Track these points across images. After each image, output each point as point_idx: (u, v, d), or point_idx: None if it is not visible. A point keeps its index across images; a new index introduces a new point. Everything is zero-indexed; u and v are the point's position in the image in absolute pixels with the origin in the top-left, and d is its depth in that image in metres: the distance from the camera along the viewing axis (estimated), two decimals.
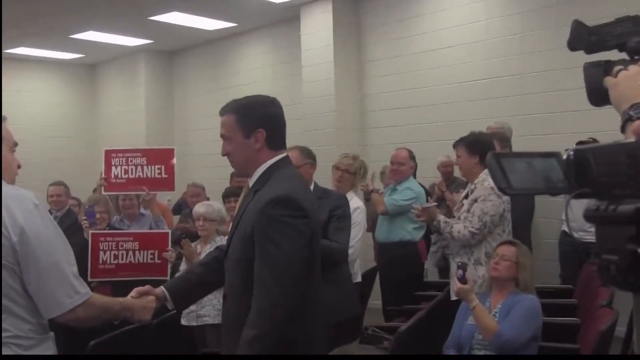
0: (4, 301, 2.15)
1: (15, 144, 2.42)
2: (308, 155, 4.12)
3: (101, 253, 5.08)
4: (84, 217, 5.15)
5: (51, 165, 11.34)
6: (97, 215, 5.17)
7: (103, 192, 5.38)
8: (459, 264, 3.74)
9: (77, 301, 2.23)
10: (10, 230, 2.14)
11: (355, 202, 4.73)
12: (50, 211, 5.90)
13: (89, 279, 4.99)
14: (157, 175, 5.35)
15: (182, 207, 8.47)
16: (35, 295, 2.18)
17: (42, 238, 2.17)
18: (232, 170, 2.65)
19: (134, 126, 11.64)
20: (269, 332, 2.14)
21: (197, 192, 6.94)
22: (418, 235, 5.71)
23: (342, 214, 3.95)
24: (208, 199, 6.45)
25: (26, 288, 2.17)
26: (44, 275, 2.17)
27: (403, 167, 5.73)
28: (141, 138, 11.32)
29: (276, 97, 2.50)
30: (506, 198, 4.23)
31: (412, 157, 5.84)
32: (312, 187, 3.98)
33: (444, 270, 6.13)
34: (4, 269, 2.13)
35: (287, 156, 2.46)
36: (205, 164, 10.56)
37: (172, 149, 5.57)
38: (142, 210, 5.70)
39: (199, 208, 4.84)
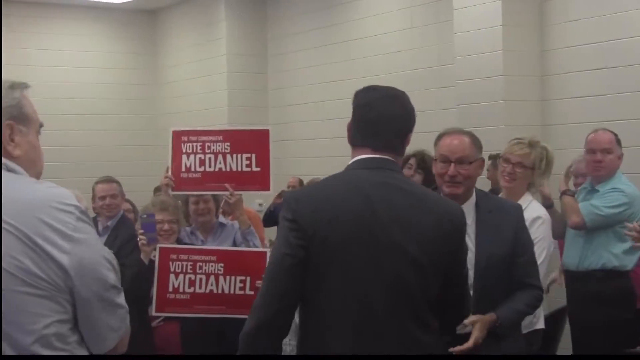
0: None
1: (41, 125, 2.51)
2: (480, 146, 3.91)
3: (172, 277, 5.09)
4: (140, 231, 5.18)
5: (96, 155, 11.75)
6: (166, 227, 5.25)
7: (171, 193, 5.45)
8: None
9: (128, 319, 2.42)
10: (53, 249, 2.23)
11: (534, 208, 4.69)
12: (96, 219, 6.13)
13: (154, 313, 5.14)
14: (245, 168, 5.38)
15: (276, 215, 8.60)
16: (84, 326, 2.32)
17: (94, 260, 2.31)
18: (347, 161, 3.04)
19: (211, 98, 11.89)
20: (243, 334, 2.83)
21: None
22: (631, 261, 5.61)
23: None
24: None
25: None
26: (92, 306, 2.31)
27: (609, 156, 5.57)
28: (222, 115, 11.55)
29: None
30: None
31: (619, 143, 5.71)
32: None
33: None
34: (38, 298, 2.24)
35: (365, 158, 2.93)
36: (311, 153, 10.64)
37: (267, 131, 5.61)
38: (221, 218, 5.79)
39: None
